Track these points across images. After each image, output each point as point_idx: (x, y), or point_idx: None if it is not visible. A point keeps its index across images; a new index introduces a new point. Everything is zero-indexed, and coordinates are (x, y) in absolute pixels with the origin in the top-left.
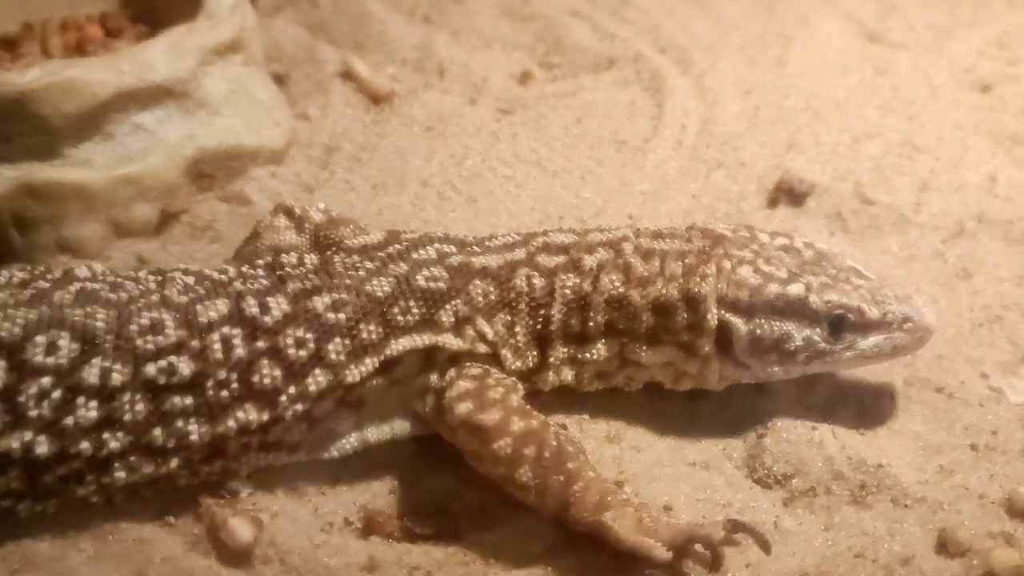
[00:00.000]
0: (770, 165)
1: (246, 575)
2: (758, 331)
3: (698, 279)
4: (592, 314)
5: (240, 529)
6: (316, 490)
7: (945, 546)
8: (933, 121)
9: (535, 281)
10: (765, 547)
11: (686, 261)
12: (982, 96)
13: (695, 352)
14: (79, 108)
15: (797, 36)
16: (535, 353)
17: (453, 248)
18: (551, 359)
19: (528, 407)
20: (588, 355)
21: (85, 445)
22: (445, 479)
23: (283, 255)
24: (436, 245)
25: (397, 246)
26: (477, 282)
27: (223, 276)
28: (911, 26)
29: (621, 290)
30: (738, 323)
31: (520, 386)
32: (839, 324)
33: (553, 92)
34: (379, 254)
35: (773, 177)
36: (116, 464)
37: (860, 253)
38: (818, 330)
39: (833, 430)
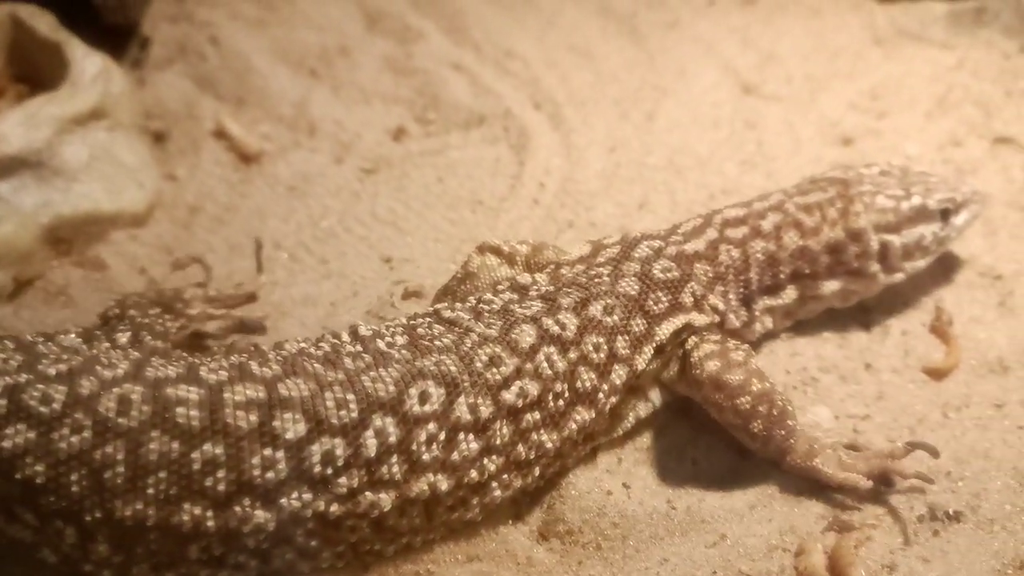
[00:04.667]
0: (617, 225)
1: None
2: (905, 240)
3: (854, 217)
4: (781, 267)
5: None
6: None
7: None
8: (791, 177)
9: (733, 253)
10: (934, 452)
11: (837, 206)
12: (843, 150)
13: (863, 273)
14: None
15: (673, 89)
16: (744, 312)
17: (659, 242)
18: (756, 312)
19: (762, 370)
20: (780, 301)
21: (473, 474)
22: None
23: (517, 278)
24: (645, 243)
25: (611, 251)
26: (697, 265)
27: (491, 306)
28: (788, 77)
29: (801, 243)
30: (892, 239)
31: (752, 351)
32: (946, 214)
33: (420, 150)
34: (601, 260)
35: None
36: (494, 484)
37: None
38: (936, 224)
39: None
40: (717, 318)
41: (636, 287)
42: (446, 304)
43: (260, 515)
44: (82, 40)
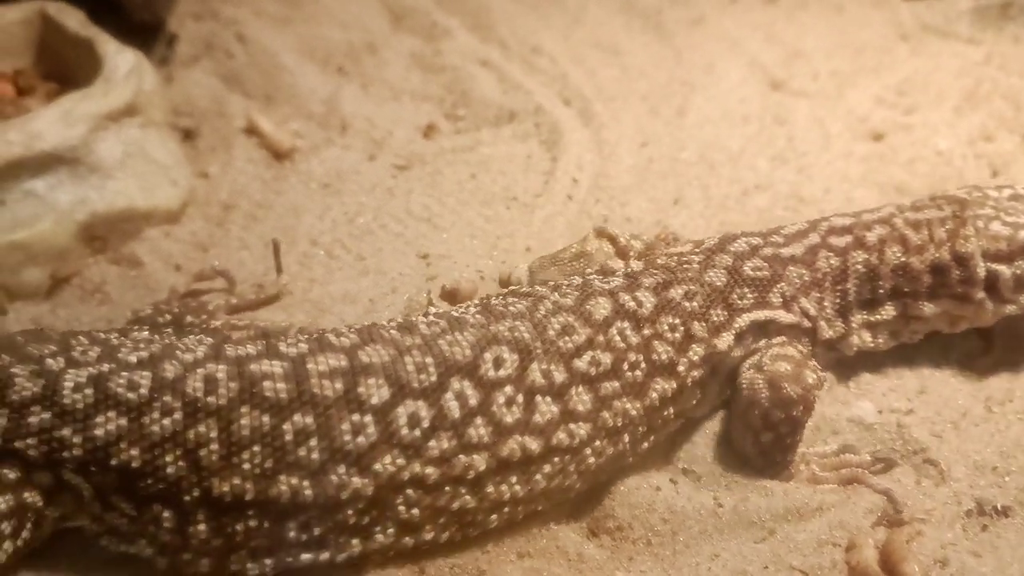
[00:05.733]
0: (653, 221)
1: None
2: (1018, 271)
3: (962, 241)
4: (881, 282)
5: None
6: None
7: None
8: (823, 172)
9: (833, 261)
10: (893, 464)
11: (947, 227)
12: (874, 145)
13: (969, 299)
14: None
15: (701, 84)
16: (839, 323)
17: (758, 240)
18: (853, 325)
19: (814, 403)
20: (879, 317)
21: (561, 436)
22: None
23: (608, 262)
24: (744, 239)
25: (708, 243)
26: (791, 268)
27: (572, 281)
28: (815, 73)
29: (903, 259)
30: (1002, 269)
31: (823, 382)
32: None
33: (452, 147)
34: (696, 250)
35: (653, 233)
36: (587, 451)
37: None
38: None
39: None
40: (807, 323)
41: (723, 279)
42: (526, 288)
43: (357, 481)
44: None
